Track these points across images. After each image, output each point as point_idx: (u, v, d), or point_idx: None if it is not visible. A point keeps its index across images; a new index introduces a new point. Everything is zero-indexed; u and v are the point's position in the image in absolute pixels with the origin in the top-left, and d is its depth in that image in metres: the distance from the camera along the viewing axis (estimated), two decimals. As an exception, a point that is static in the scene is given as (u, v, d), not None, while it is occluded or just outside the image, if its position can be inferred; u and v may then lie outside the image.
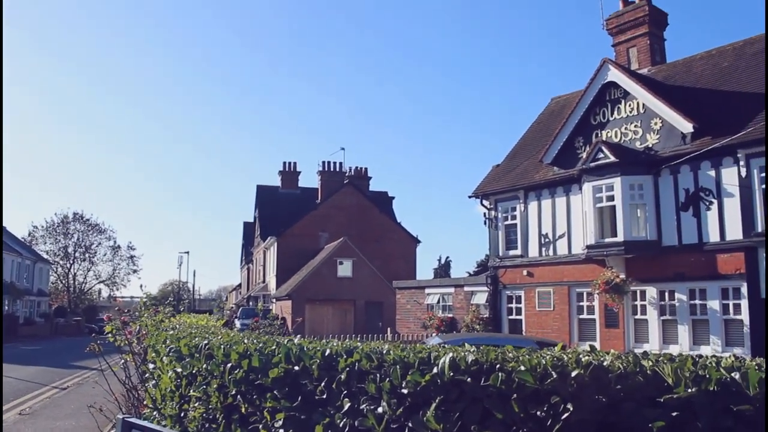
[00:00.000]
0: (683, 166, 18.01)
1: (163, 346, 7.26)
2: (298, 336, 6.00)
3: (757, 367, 2.71)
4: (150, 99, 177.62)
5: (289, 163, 57.47)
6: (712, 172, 17.52)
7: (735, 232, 16.94)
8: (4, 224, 53.05)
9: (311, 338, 5.90)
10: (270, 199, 55.84)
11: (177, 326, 8.80)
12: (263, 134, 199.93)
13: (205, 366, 5.73)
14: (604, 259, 19.25)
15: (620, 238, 18.49)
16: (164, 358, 7.00)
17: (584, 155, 19.80)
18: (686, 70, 21.86)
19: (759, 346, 15.92)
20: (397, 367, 3.70)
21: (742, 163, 16.86)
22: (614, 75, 20.01)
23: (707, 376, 2.70)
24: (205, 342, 5.94)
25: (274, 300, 48.13)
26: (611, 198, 18.83)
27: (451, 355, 3.45)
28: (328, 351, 4.30)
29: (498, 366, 3.26)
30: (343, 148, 73.38)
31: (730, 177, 17.16)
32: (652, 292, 18.48)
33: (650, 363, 2.93)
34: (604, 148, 18.87)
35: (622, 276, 18.56)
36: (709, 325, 17.26)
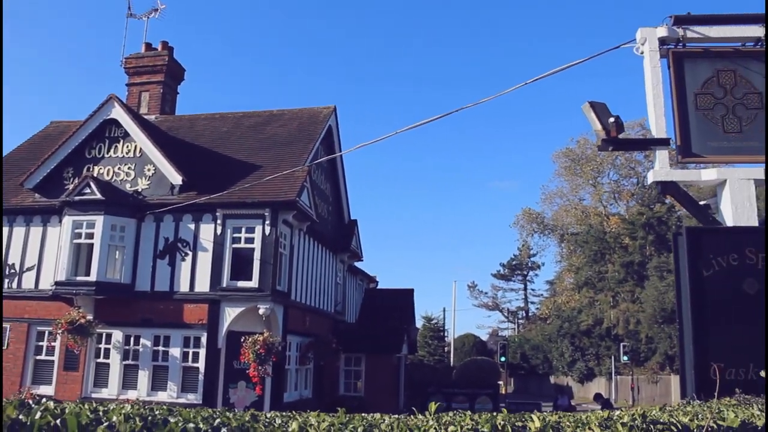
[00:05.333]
0: (167, 215, 18.48)
1: None
2: None
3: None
4: None
5: None
6: (192, 226, 18.35)
7: (203, 284, 17.92)
8: None
9: None
10: None
11: None
12: None
13: None
14: (73, 297, 18.32)
15: (93, 278, 17.87)
16: None
17: (71, 187, 18.83)
18: (190, 126, 22.86)
19: (210, 393, 17.12)
20: None
21: (219, 221, 18.05)
22: (118, 113, 19.70)
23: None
24: None
25: None
26: (91, 236, 18.16)
27: None
28: None
29: None
30: None
31: (207, 233, 18.20)
32: (118, 335, 18.21)
33: None
34: (92, 184, 18.20)
35: (89, 317, 17.85)
36: (169, 372, 17.72)
